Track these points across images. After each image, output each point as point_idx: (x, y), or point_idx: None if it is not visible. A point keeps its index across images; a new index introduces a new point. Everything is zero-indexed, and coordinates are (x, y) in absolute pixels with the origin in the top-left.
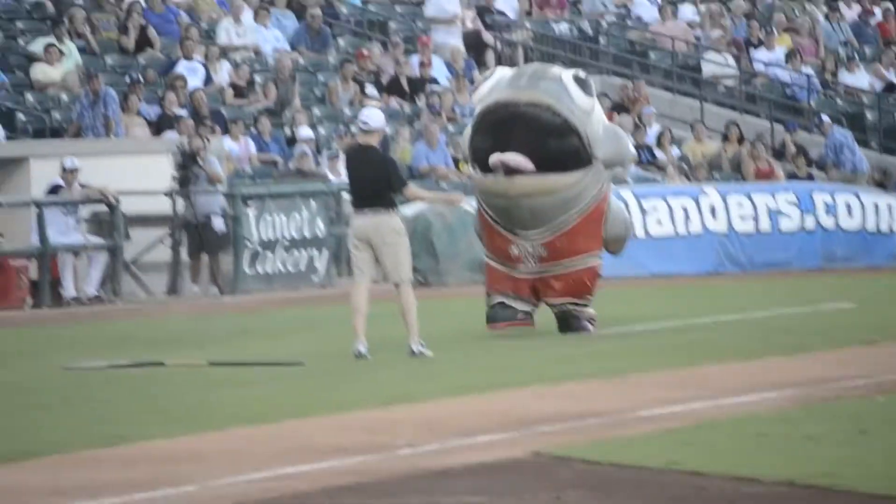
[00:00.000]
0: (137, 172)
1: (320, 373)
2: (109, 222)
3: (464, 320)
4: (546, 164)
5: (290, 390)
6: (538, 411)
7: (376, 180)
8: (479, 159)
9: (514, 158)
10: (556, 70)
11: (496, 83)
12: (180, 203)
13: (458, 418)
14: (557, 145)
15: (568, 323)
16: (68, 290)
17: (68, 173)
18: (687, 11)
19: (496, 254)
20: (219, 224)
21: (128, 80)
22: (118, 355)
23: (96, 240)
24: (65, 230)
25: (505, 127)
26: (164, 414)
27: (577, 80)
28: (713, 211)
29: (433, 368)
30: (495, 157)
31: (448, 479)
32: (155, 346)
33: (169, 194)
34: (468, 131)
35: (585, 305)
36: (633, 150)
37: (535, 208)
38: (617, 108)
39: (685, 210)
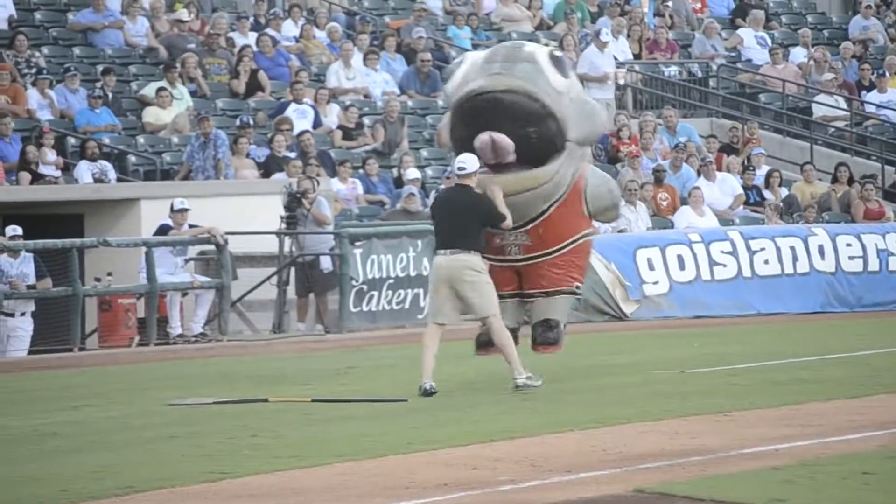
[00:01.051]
0: (246, 213)
1: (423, 409)
2: (217, 261)
3: (568, 358)
4: (527, 155)
5: (393, 427)
6: (640, 448)
7: (469, 220)
8: (461, 150)
9: (501, 139)
10: (530, 49)
11: (469, 70)
12: (288, 243)
13: (560, 454)
14: (537, 132)
15: (543, 333)
16: (175, 327)
17: (177, 214)
18: (798, 54)
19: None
20: (326, 263)
21: (238, 122)
22: (223, 392)
23: (204, 279)
24: (173, 269)
25: (483, 116)
26: (267, 450)
27: (553, 58)
28: (821, 251)
29: (535, 405)
30: (485, 136)
31: None
32: (259, 383)
33: (277, 234)
34: (446, 121)
35: (573, 293)
36: (605, 123)
37: (516, 204)
38: (726, 149)
39: (793, 250)
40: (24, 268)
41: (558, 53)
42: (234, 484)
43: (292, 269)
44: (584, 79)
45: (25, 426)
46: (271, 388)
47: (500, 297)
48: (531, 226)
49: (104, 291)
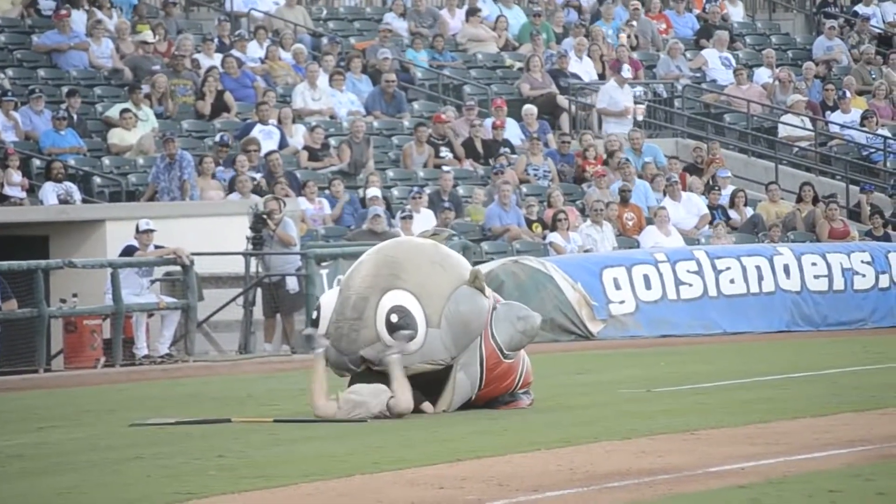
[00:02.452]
0: (212, 234)
1: (389, 429)
2: (183, 282)
3: (536, 378)
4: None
5: (359, 446)
6: (607, 467)
7: None
8: None
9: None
10: (368, 332)
11: (324, 319)
12: (254, 263)
13: (527, 474)
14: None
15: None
16: (141, 348)
17: (143, 235)
18: (762, 75)
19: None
20: (292, 284)
21: (218, 139)
22: (190, 413)
23: (170, 299)
24: (139, 290)
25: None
26: (232, 470)
27: (391, 326)
28: (787, 270)
29: (502, 423)
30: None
31: None
32: (226, 403)
33: (243, 255)
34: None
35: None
36: (481, 320)
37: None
38: (690, 169)
39: (758, 269)
40: None
41: (395, 319)
42: None
43: (259, 290)
44: (602, 113)
45: None
46: (238, 409)
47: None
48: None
49: (70, 312)
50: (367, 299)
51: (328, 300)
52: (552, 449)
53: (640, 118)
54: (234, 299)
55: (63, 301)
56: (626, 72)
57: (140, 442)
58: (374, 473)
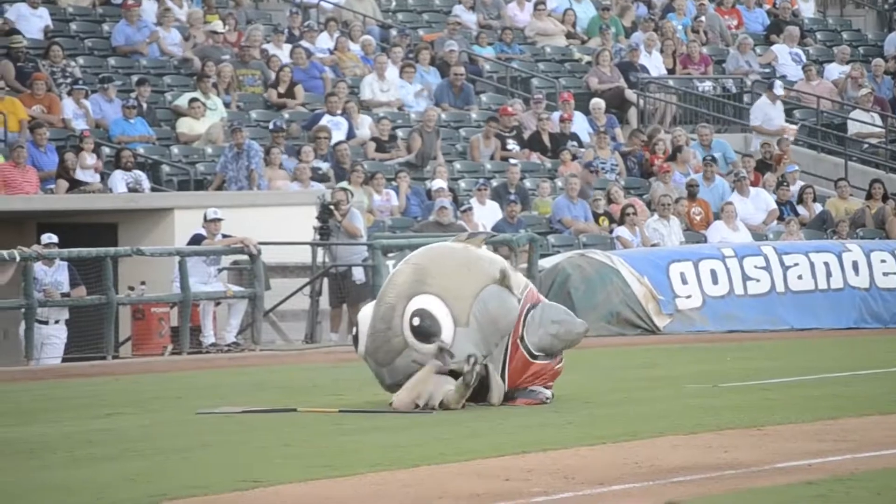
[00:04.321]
0: (279, 223)
1: (455, 421)
2: (250, 271)
3: (601, 371)
4: None
5: (425, 438)
6: (673, 461)
7: None
8: None
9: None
10: (397, 339)
11: (362, 335)
12: (321, 253)
13: (593, 467)
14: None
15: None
16: (208, 336)
17: (211, 224)
18: (832, 71)
19: None
20: (359, 274)
21: (271, 126)
22: (254, 401)
23: (237, 288)
24: (206, 279)
25: None
26: (298, 459)
27: (415, 330)
28: (856, 267)
29: (568, 417)
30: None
31: None
32: (291, 393)
33: (310, 245)
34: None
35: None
36: (510, 320)
37: None
38: (760, 164)
39: (827, 265)
40: (58, 276)
41: (416, 322)
42: (267, 492)
43: (325, 280)
44: (757, 131)
45: (58, 433)
46: (304, 398)
47: None
48: None
49: (138, 300)
50: (394, 308)
51: (364, 315)
52: (618, 442)
53: (790, 139)
54: (300, 289)
55: (131, 289)
56: (778, 88)
57: (207, 430)
58: (439, 464)
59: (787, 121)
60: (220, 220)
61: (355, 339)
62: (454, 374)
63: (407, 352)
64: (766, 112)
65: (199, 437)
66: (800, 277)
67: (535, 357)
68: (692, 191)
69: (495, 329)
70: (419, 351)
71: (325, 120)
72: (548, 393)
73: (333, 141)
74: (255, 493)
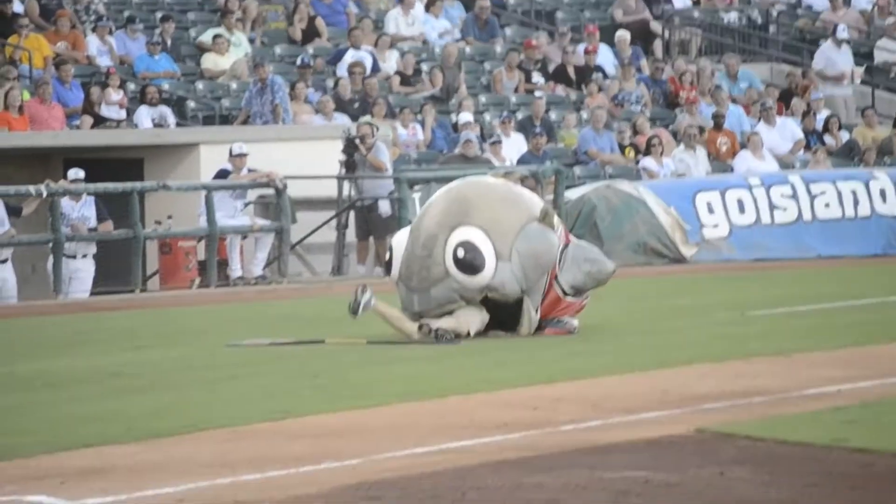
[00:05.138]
0: (304, 157)
1: (483, 351)
2: (276, 205)
3: (629, 301)
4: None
5: (453, 368)
6: (701, 389)
7: None
8: None
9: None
10: (438, 267)
11: (395, 277)
12: (347, 187)
13: (622, 396)
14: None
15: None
16: (235, 270)
17: (236, 158)
18: (859, 0)
19: None
20: (385, 208)
21: (299, 62)
22: (282, 333)
23: (263, 222)
24: (232, 213)
25: None
26: (328, 390)
27: (458, 262)
28: (883, 194)
29: (597, 347)
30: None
31: (611, 454)
32: (319, 325)
33: (336, 178)
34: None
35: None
36: (551, 257)
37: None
38: (785, 94)
39: (854, 193)
40: (85, 211)
41: (461, 255)
42: (297, 423)
43: (351, 213)
44: (820, 76)
45: (89, 366)
46: (331, 330)
47: None
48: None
49: (164, 234)
50: (436, 237)
51: (399, 241)
52: (646, 371)
53: (856, 81)
54: (326, 222)
55: (158, 223)
56: (843, 32)
57: (235, 362)
58: (467, 394)
59: (857, 66)
60: (245, 154)
61: (388, 263)
62: (489, 305)
63: (447, 282)
64: (830, 56)
65: (227, 370)
66: (827, 206)
67: (566, 294)
68: (718, 121)
69: (536, 265)
70: (460, 283)
71: (350, 55)
72: (575, 323)
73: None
74: (284, 424)
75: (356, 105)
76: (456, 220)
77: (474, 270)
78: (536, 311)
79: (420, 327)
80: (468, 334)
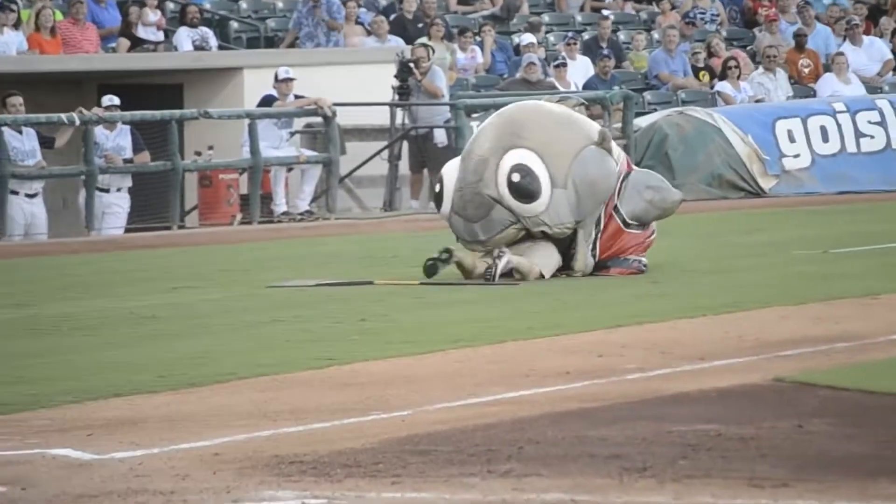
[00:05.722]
0: (355, 83)
1: (544, 293)
2: (324, 135)
3: (701, 238)
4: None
5: (512, 311)
6: (779, 334)
7: None
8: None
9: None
10: (490, 191)
11: (446, 208)
12: (400, 115)
13: (692, 341)
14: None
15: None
16: (280, 205)
17: (282, 84)
18: None
19: None
20: (441, 137)
21: None
22: (329, 274)
23: (310, 153)
24: (277, 143)
25: None
26: (377, 335)
27: (513, 186)
28: None
29: (666, 288)
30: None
31: (680, 405)
32: (368, 264)
33: (388, 106)
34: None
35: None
36: (610, 183)
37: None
38: (873, 12)
39: None
40: (120, 140)
41: (515, 178)
42: (343, 371)
43: (405, 143)
44: None
45: (121, 308)
46: (382, 270)
47: None
48: None
49: (205, 166)
50: (487, 161)
51: (450, 171)
52: (719, 314)
53: None
54: (378, 153)
55: (198, 154)
56: None
57: (278, 304)
58: (527, 340)
59: None
60: (292, 79)
61: (438, 196)
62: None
63: (500, 208)
64: None
65: (269, 313)
66: None
67: (628, 226)
68: (800, 41)
69: (593, 193)
70: (514, 210)
71: None
72: (644, 261)
73: None
74: (329, 372)
75: (412, 26)
76: (508, 143)
77: (530, 197)
78: (594, 245)
79: (487, 270)
80: (542, 276)
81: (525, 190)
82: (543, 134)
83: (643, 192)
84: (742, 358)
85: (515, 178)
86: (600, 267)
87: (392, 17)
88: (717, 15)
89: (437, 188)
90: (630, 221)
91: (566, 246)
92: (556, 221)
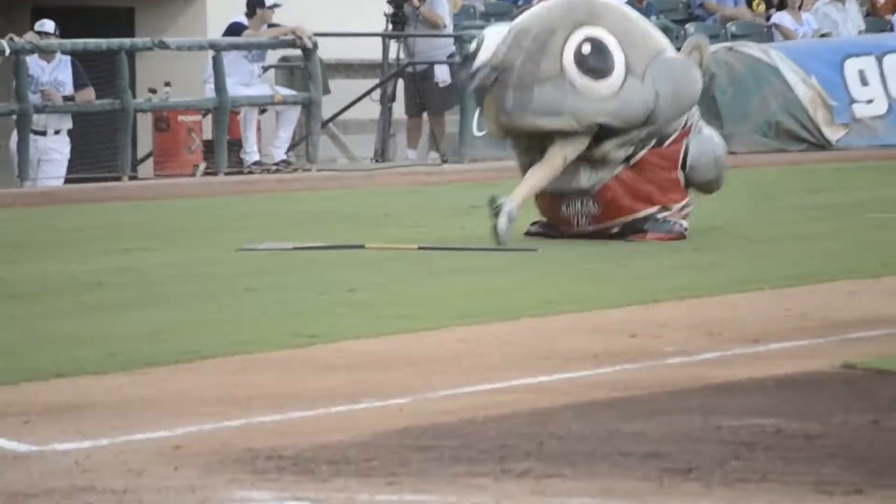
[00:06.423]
0: (342, 9)
1: (566, 261)
2: (304, 70)
3: (756, 197)
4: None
5: (529, 281)
6: (850, 312)
7: None
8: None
9: None
10: (551, 64)
11: (487, 53)
12: (395, 48)
13: (745, 320)
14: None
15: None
16: (251, 153)
17: (266, 11)
18: None
19: (547, 216)
20: (443, 75)
21: None
22: (311, 236)
23: (287, 92)
24: (248, 80)
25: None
26: (367, 308)
27: (580, 60)
28: None
29: (713, 256)
30: None
31: (731, 396)
32: (357, 225)
33: (381, 37)
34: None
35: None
36: (694, 91)
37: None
38: None
39: None
40: (59, 74)
41: (587, 50)
42: (327, 350)
43: (400, 82)
44: None
45: (63, 273)
46: (373, 232)
47: None
48: (600, 184)
49: (161, 106)
50: (554, 31)
51: (495, 33)
52: (778, 289)
53: None
54: (368, 93)
55: (153, 91)
56: None
57: (251, 271)
58: (546, 316)
59: None
60: (277, 5)
61: (472, 56)
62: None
63: (559, 83)
64: None
65: (241, 281)
66: None
67: (683, 168)
68: None
69: (674, 97)
70: (576, 87)
71: None
72: (684, 224)
73: None
74: (311, 351)
75: None
76: (583, 19)
77: (600, 73)
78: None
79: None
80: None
81: (595, 66)
82: (623, 23)
83: (718, 158)
84: (805, 340)
85: (586, 48)
86: (634, 230)
87: None
88: None
89: (474, 47)
90: (693, 183)
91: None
92: (622, 114)
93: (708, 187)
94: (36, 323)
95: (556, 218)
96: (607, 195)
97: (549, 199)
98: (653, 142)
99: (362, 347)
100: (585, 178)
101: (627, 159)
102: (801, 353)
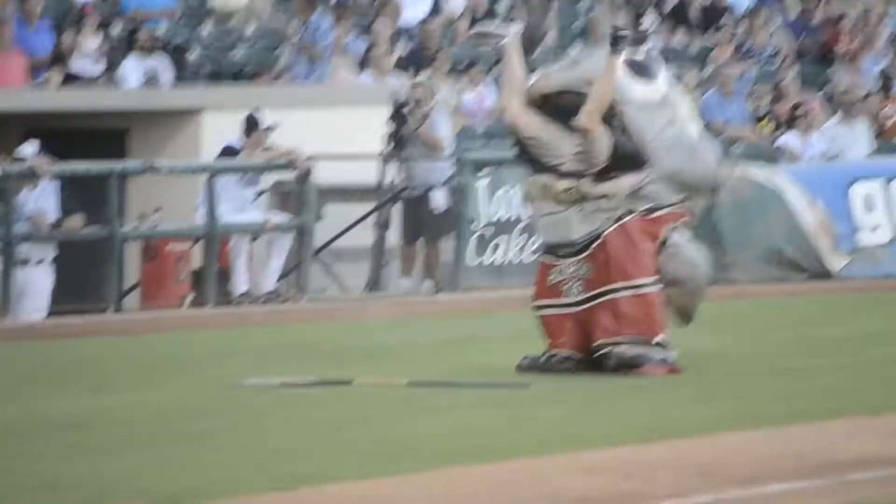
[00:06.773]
0: (337, 130)
1: (559, 398)
2: (298, 195)
3: (754, 330)
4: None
5: (518, 419)
6: (849, 452)
7: None
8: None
9: None
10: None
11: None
12: (392, 171)
13: (740, 459)
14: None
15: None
16: (240, 283)
17: (263, 133)
18: None
19: (537, 288)
20: (439, 200)
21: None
22: (299, 370)
23: (280, 218)
24: (241, 205)
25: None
26: (354, 449)
27: (634, 63)
28: None
29: (706, 392)
30: None
31: None
32: (347, 359)
33: (378, 159)
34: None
35: (647, 344)
36: (710, 168)
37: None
38: None
39: None
40: (42, 201)
41: (640, 56)
42: (313, 493)
43: (396, 207)
44: None
45: (40, 414)
46: (363, 366)
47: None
48: (594, 248)
49: (149, 234)
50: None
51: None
52: (775, 426)
53: None
54: (362, 219)
55: (143, 218)
56: None
57: (235, 408)
58: (538, 456)
59: None
60: (273, 128)
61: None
62: None
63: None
64: None
65: (224, 419)
66: None
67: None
68: (887, 83)
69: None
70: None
71: None
72: (674, 355)
73: (413, 18)
74: (297, 495)
75: (409, 59)
76: None
77: (650, 76)
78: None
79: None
80: None
81: (646, 66)
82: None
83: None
84: (803, 482)
85: (640, 56)
86: (627, 366)
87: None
88: (777, 49)
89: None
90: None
91: None
92: (653, 125)
93: (676, 295)
94: (14, 463)
95: (544, 291)
96: (600, 257)
97: (541, 267)
98: (644, 208)
99: (348, 489)
100: (577, 230)
101: (618, 219)
102: (799, 496)
